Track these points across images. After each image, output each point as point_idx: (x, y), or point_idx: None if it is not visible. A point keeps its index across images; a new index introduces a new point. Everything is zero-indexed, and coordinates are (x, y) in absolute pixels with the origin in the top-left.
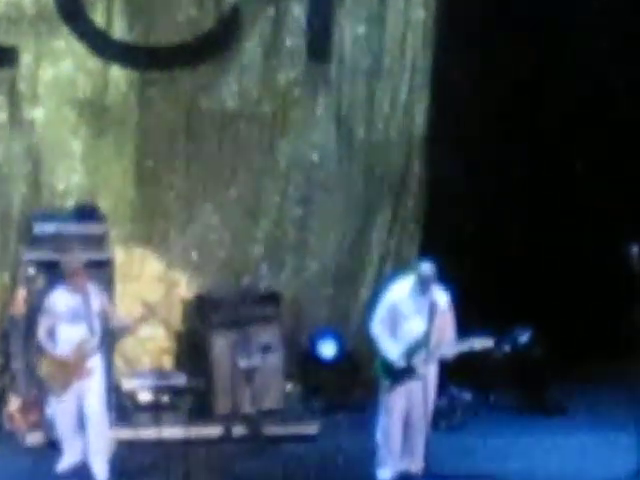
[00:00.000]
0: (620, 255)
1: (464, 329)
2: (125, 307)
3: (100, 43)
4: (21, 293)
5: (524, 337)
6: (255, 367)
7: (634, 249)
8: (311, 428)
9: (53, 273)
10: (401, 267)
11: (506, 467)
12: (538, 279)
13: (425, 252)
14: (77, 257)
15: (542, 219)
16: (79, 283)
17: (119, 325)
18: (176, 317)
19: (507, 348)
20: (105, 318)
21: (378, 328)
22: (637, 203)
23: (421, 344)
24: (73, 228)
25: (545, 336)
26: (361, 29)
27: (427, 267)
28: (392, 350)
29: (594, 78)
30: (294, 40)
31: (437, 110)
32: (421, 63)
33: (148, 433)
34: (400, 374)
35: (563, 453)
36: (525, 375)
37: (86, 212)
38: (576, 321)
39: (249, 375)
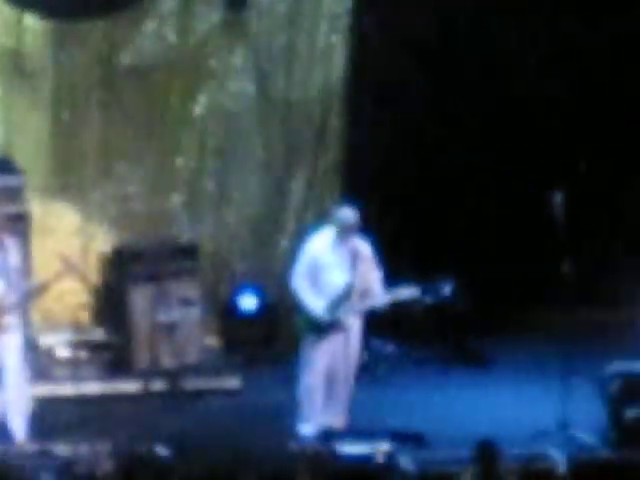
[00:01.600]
0: (542, 202)
1: (385, 281)
2: (42, 261)
3: None
4: None
5: (446, 288)
6: (175, 321)
7: (557, 196)
8: (232, 382)
9: None
10: (322, 218)
11: (428, 420)
12: (459, 228)
13: (346, 200)
14: None
15: (462, 165)
16: None
17: (32, 284)
18: (94, 271)
19: (429, 299)
20: (22, 273)
21: (300, 282)
22: (561, 149)
23: (344, 296)
24: None
25: (467, 287)
26: None
27: (349, 213)
28: (315, 304)
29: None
30: None
31: (356, 58)
32: (339, 9)
33: (67, 389)
34: (324, 328)
35: (485, 406)
36: (447, 327)
37: (1, 165)
38: (498, 271)
39: (169, 329)
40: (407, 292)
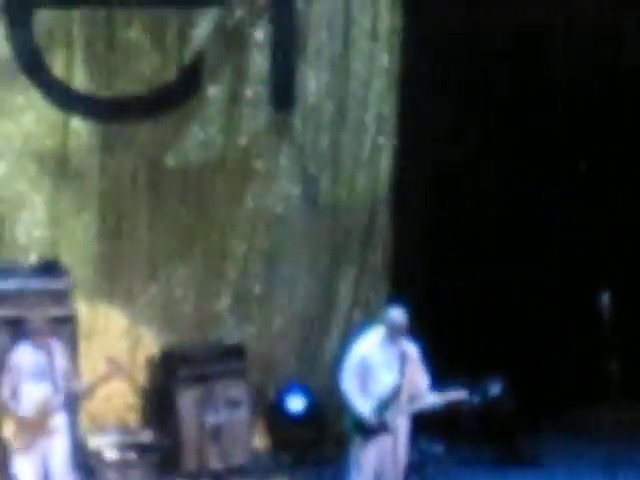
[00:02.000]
0: (590, 304)
1: (434, 383)
2: (89, 364)
3: (60, 95)
4: None
5: (495, 389)
6: (222, 422)
7: (604, 297)
8: None
9: (16, 330)
10: (369, 319)
11: None
12: (507, 329)
13: (393, 301)
14: (41, 313)
15: (511, 268)
16: (43, 340)
17: (80, 387)
18: (141, 373)
19: (477, 400)
20: (69, 376)
21: (349, 382)
22: (608, 250)
23: (393, 397)
24: (35, 284)
25: (515, 387)
26: (324, 77)
27: (398, 313)
28: (363, 405)
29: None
30: (257, 89)
31: (402, 158)
32: (386, 111)
33: None
34: (372, 429)
35: None
36: (497, 427)
37: (48, 267)
38: (546, 371)
39: (216, 431)
40: (455, 395)
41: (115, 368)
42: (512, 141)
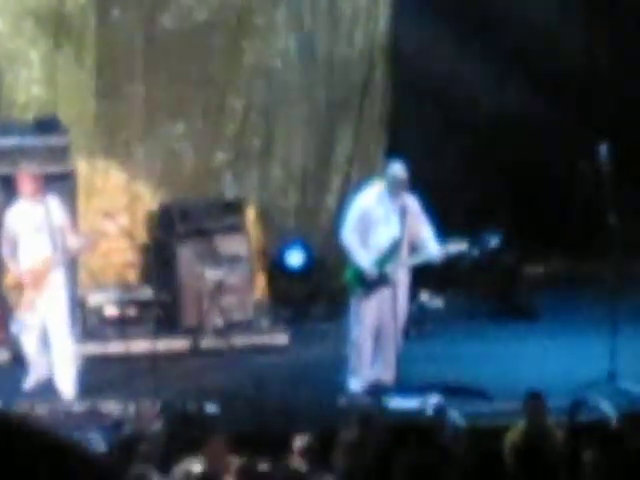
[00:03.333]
0: (590, 157)
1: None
2: (89, 220)
3: None
4: None
5: (494, 241)
6: (222, 278)
7: (602, 148)
8: (280, 338)
9: (14, 187)
10: (368, 173)
11: (477, 374)
12: (508, 181)
13: (392, 155)
14: (33, 168)
15: (508, 122)
16: (38, 196)
17: (77, 242)
18: (140, 229)
19: (476, 253)
20: (68, 232)
21: (349, 236)
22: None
23: (393, 251)
24: (33, 140)
25: (515, 240)
26: None
27: (398, 168)
28: (363, 258)
29: None
30: None
31: (402, 11)
32: None
33: (115, 347)
34: (372, 282)
35: (536, 359)
36: (495, 280)
37: (46, 124)
38: (545, 224)
39: (216, 286)
40: (455, 247)
41: (113, 226)
42: None
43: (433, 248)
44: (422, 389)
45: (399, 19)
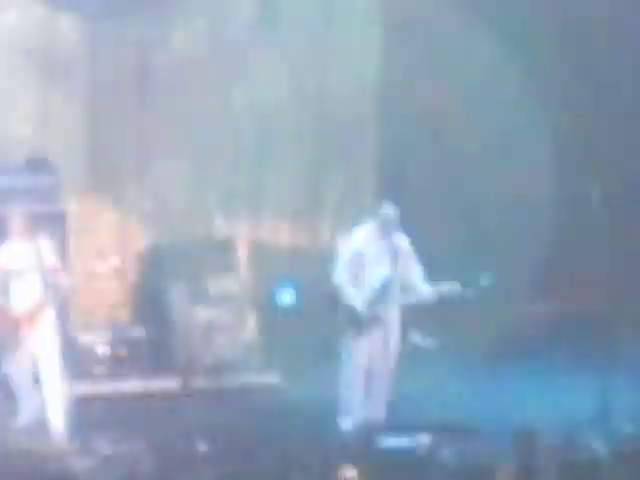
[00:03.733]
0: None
1: (425, 275)
2: (80, 259)
3: None
4: None
5: (485, 281)
6: (213, 317)
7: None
8: (271, 378)
9: (5, 227)
10: (359, 212)
11: (468, 413)
12: (494, 222)
13: (385, 196)
14: (22, 209)
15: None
16: (28, 236)
17: (68, 282)
18: (132, 268)
19: (469, 292)
20: (59, 272)
21: (341, 276)
22: None
23: (385, 290)
24: (24, 181)
25: (507, 279)
26: None
27: (389, 211)
28: (356, 298)
29: None
30: None
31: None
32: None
33: (106, 387)
34: (364, 322)
35: (527, 397)
36: (490, 318)
37: (37, 164)
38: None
39: (207, 325)
40: (448, 287)
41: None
42: None
43: (423, 289)
44: (413, 428)
45: (390, 59)
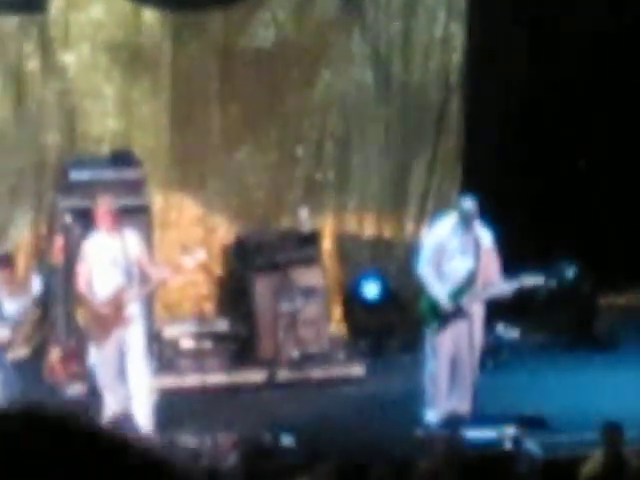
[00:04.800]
0: None
1: (508, 267)
2: (165, 253)
3: None
4: (58, 241)
5: (570, 272)
6: (298, 310)
7: None
8: (357, 371)
9: (90, 221)
10: (443, 205)
11: (554, 405)
12: (581, 213)
13: (467, 188)
14: (110, 201)
15: (581, 154)
16: (111, 227)
17: (155, 275)
18: (216, 262)
19: (553, 284)
20: (144, 266)
21: (424, 269)
22: None
23: (468, 283)
24: (108, 174)
25: (591, 270)
26: None
27: (469, 203)
28: (439, 291)
29: None
30: None
31: (475, 44)
32: None
33: (191, 380)
34: (448, 314)
35: (613, 390)
36: (572, 311)
37: (122, 158)
38: (620, 253)
39: (292, 318)
40: (530, 280)
41: (191, 260)
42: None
43: (505, 282)
44: (499, 420)
45: (474, 50)
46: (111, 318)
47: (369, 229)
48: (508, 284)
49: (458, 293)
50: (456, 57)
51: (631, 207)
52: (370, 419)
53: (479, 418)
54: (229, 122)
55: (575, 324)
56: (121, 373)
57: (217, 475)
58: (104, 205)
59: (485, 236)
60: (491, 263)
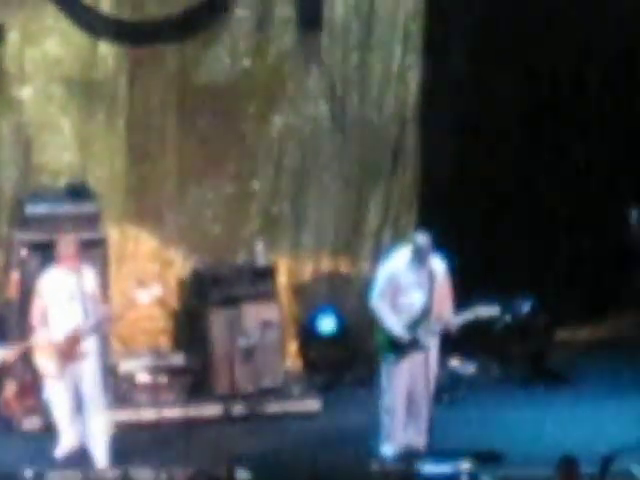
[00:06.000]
0: (619, 220)
1: (463, 300)
2: (120, 287)
3: (87, 19)
4: (14, 276)
5: (526, 306)
6: (254, 345)
7: (634, 213)
8: (312, 405)
9: (46, 255)
10: (400, 238)
11: (510, 440)
12: (536, 248)
13: (424, 222)
14: (71, 237)
15: (539, 185)
16: (73, 264)
17: (109, 311)
18: (172, 295)
19: (508, 318)
20: (99, 300)
21: (378, 301)
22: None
23: (423, 316)
24: (65, 208)
25: (545, 305)
26: None
27: (422, 238)
28: (394, 323)
29: None
30: (285, 10)
31: (431, 77)
32: (413, 28)
33: (147, 414)
34: (403, 347)
35: (568, 424)
36: (527, 345)
37: (77, 190)
38: (575, 289)
39: (248, 353)
40: (486, 310)
41: (145, 293)
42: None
43: (459, 313)
44: (454, 455)
45: (430, 84)
46: (67, 353)
47: (325, 264)
48: (464, 315)
49: (414, 326)
50: (412, 90)
51: (588, 242)
52: (326, 453)
53: (435, 453)
54: (185, 156)
55: (530, 359)
56: (77, 407)
57: None
58: (67, 245)
59: (440, 269)
60: (445, 296)
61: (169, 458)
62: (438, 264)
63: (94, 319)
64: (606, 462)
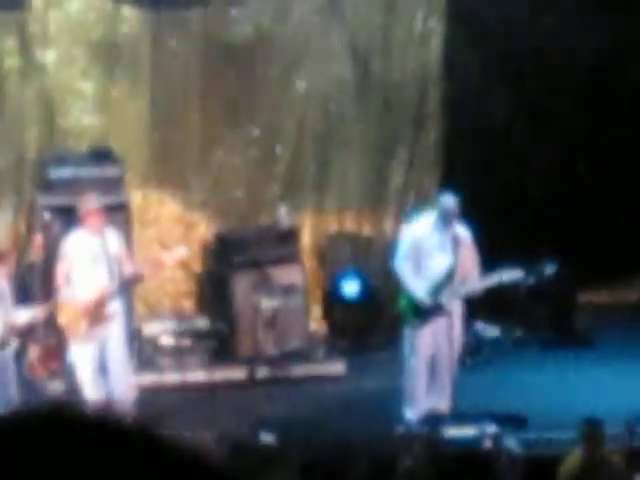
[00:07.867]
0: None
1: (487, 265)
2: (144, 251)
3: None
4: (38, 239)
5: (550, 269)
6: (277, 308)
7: None
8: (336, 368)
9: (69, 218)
10: (422, 201)
11: (534, 402)
12: (561, 210)
13: (446, 184)
14: (93, 199)
15: (564, 148)
16: (96, 226)
17: (132, 273)
18: (196, 259)
19: (533, 281)
20: (123, 263)
21: (402, 265)
22: None
23: (446, 280)
24: (88, 171)
25: (571, 267)
26: None
27: (449, 200)
28: (418, 288)
29: None
30: None
31: (453, 39)
32: None
33: (171, 378)
34: (427, 311)
35: (593, 387)
36: (551, 308)
37: (101, 154)
38: (600, 250)
39: (271, 316)
40: (510, 275)
41: (169, 256)
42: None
43: (484, 278)
44: (478, 418)
45: (452, 47)
46: (92, 315)
47: (348, 226)
48: (487, 280)
49: (437, 290)
50: (435, 53)
51: (612, 204)
52: (350, 417)
53: (458, 416)
54: (209, 119)
55: (554, 321)
56: (101, 370)
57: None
58: (90, 204)
59: (464, 233)
60: (470, 260)
61: (193, 422)
62: (463, 230)
63: (119, 281)
64: (632, 433)
